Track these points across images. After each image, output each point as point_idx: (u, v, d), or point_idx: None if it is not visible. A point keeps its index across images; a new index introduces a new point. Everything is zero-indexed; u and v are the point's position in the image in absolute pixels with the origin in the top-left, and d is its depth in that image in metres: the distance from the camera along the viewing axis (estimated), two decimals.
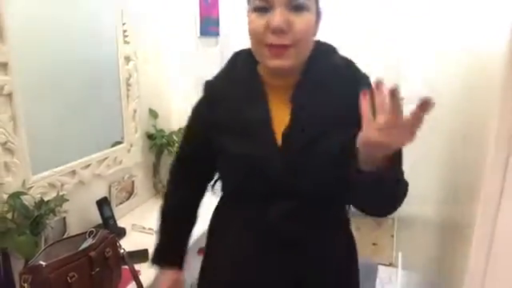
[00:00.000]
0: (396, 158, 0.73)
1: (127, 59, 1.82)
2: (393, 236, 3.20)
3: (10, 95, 1.25)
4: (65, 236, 1.50)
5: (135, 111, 1.93)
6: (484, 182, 0.61)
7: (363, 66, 0.94)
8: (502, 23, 0.67)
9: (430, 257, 1.47)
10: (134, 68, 1.87)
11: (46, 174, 1.43)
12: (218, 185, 1.07)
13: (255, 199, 0.92)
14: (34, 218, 1.27)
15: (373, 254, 2.93)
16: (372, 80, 0.78)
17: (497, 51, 0.69)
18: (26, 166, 1.33)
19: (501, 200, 0.59)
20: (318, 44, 0.92)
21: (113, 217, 1.72)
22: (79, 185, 1.60)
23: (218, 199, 1.10)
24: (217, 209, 1.10)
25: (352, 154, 0.73)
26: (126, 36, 1.79)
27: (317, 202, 0.90)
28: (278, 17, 0.78)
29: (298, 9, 0.80)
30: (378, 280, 2.51)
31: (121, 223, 1.79)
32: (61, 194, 1.46)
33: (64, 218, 1.52)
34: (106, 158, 1.75)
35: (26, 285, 1.07)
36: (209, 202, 1.15)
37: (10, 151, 1.28)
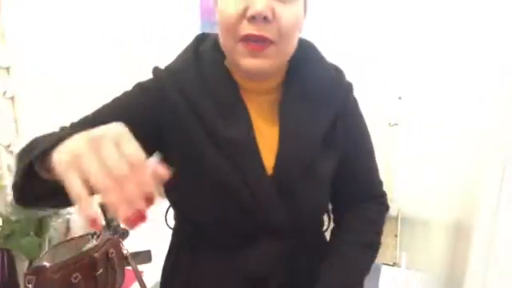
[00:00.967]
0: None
1: None
2: (396, 236, 3.20)
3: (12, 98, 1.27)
4: (68, 237, 1.51)
5: None
6: (483, 184, 0.61)
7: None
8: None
9: (434, 257, 1.46)
10: None
11: None
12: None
13: (233, 241, 0.71)
14: (38, 219, 1.28)
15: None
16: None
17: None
18: None
19: (499, 202, 0.59)
20: (301, 42, 0.74)
21: (116, 218, 1.73)
22: None
23: (172, 239, 0.85)
24: (173, 253, 0.84)
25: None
26: None
27: (306, 239, 0.76)
28: (261, 0, 0.60)
29: None
30: (381, 280, 2.51)
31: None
32: None
33: (68, 220, 1.53)
34: None
35: (30, 286, 1.07)
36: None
37: (14, 154, 1.29)
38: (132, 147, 0.40)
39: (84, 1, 1.65)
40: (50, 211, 1.31)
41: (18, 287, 1.26)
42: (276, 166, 0.69)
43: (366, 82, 3.49)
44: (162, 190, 0.71)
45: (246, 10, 0.62)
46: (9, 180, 1.28)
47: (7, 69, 1.25)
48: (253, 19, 0.61)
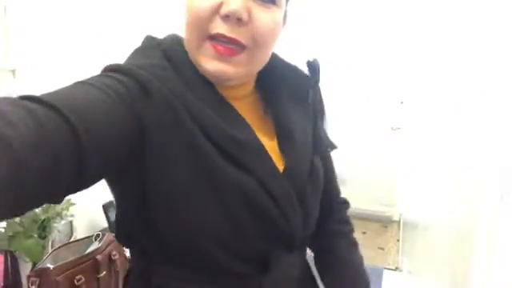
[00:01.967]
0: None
1: None
2: (399, 240, 3.19)
3: None
4: (72, 239, 1.51)
5: None
6: (485, 188, 0.62)
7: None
8: None
9: (435, 261, 1.46)
10: None
11: None
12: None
13: (241, 267, 0.59)
14: (41, 221, 1.29)
15: (378, 259, 2.92)
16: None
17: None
18: None
19: (500, 207, 0.60)
20: None
21: None
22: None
23: (136, 260, 0.66)
24: (141, 278, 0.64)
25: None
26: None
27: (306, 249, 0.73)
28: None
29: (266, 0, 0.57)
30: (383, 284, 2.51)
31: None
32: (67, 198, 1.48)
33: (71, 222, 1.54)
34: None
35: (33, 287, 1.08)
36: None
37: None
38: None
39: (90, 4, 1.67)
40: (53, 213, 1.32)
41: None
42: (286, 168, 0.63)
43: (369, 86, 3.51)
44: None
45: (220, 5, 0.55)
46: None
47: (13, 71, 1.26)
48: (226, 18, 0.55)
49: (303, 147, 0.67)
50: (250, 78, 0.67)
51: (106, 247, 1.26)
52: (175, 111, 0.55)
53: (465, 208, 0.90)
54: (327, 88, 0.80)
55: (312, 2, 3.11)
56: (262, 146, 0.61)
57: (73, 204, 1.44)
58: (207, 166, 0.55)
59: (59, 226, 1.37)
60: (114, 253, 1.28)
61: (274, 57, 0.69)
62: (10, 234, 1.23)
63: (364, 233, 3.31)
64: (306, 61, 0.72)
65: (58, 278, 1.09)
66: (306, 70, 0.72)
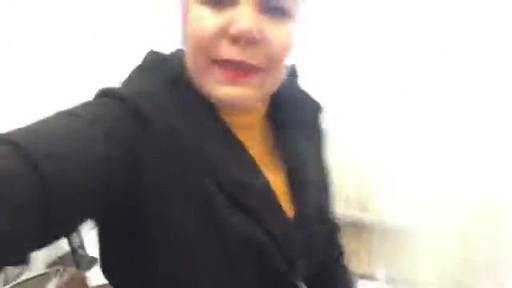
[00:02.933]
0: None
1: None
2: (373, 248, 3.19)
3: None
4: (28, 270, 1.36)
5: None
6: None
7: None
8: None
9: (414, 269, 1.44)
10: None
11: None
12: None
13: None
14: None
15: (353, 267, 2.90)
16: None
17: None
18: None
19: None
20: None
21: (82, 245, 1.59)
22: None
23: None
24: None
25: None
26: None
27: None
28: (247, 16, 0.46)
29: (277, 13, 0.49)
30: None
31: (92, 251, 1.66)
32: None
33: None
34: None
35: None
36: None
37: None
38: None
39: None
40: None
41: None
42: (297, 215, 0.57)
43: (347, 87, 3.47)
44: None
45: (226, 27, 0.47)
46: None
47: None
48: (235, 40, 0.47)
49: (315, 188, 0.62)
50: (264, 102, 0.59)
51: (66, 285, 1.13)
52: (176, 149, 0.48)
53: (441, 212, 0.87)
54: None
55: None
56: (271, 192, 0.55)
57: None
58: (212, 214, 0.49)
59: None
60: None
61: (294, 79, 0.64)
62: None
63: None
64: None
65: None
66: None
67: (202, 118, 0.53)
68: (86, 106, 0.46)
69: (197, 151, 0.49)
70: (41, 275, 1.17)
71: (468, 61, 1.50)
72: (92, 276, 1.26)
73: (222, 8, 0.47)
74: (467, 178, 1.54)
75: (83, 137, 0.41)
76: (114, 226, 0.49)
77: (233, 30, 0.46)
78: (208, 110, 0.54)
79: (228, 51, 0.48)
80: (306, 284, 0.65)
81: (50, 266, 1.40)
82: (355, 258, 3.06)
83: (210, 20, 0.48)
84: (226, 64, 0.49)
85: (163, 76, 0.54)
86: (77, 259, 1.49)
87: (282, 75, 0.55)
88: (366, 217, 3.53)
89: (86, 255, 1.61)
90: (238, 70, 0.49)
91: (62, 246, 1.56)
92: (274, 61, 0.50)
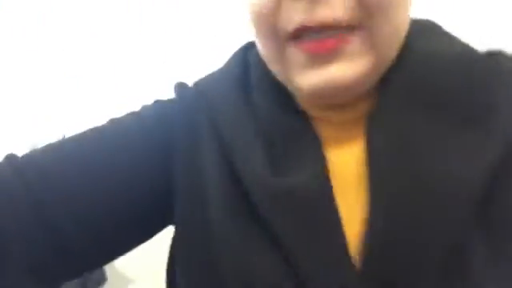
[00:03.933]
0: None
1: None
2: None
3: None
4: None
5: None
6: None
7: None
8: None
9: None
10: None
11: None
12: None
13: None
14: None
15: None
16: None
17: None
18: None
19: None
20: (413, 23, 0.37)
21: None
22: None
23: None
24: None
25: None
26: None
27: None
28: None
29: None
30: None
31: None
32: None
33: None
34: None
35: None
36: None
37: None
38: None
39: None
40: None
41: None
42: (369, 252, 0.33)
43: None
44: None
45: None
46: None
47: None
48: None
49: (424, 209, 0.32)
50: (377, 76, 0.35)
51: None
52: (204, 147, 0.39)
53: None
54: None
55: None
56: (327, 201, 0.34)
57: None
58: (212, 232, 0.36)
59: None
60: None
61: (438, 37, 0.39)
62: None
63: None
64: None
65: None
66: None
67: (271, 113, 0.38)
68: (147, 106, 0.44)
69: (239, 153, 0.37)
70: None
71: None
72: None
73: None
74: None
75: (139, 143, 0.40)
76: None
77: None
78: (281, 102, 0.38)
79: (298, 13, 0.30)
80: None
81: None
82: None
83: None
84: (300, 34, 0.32)
85: (240, 66, 0.43)
86: (82, 281, 1.42)
87: (397, 37, 0.34)
88: None
89: (92, 274, 1.46)
90: (322, 37, 0.31)
91: None
92: (375, 12, 0.30)
